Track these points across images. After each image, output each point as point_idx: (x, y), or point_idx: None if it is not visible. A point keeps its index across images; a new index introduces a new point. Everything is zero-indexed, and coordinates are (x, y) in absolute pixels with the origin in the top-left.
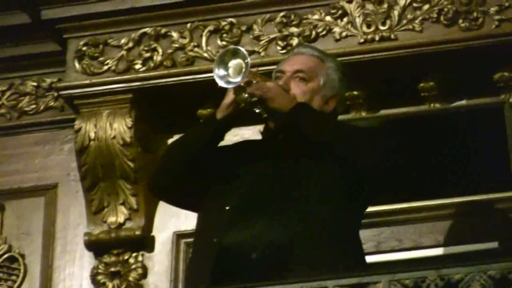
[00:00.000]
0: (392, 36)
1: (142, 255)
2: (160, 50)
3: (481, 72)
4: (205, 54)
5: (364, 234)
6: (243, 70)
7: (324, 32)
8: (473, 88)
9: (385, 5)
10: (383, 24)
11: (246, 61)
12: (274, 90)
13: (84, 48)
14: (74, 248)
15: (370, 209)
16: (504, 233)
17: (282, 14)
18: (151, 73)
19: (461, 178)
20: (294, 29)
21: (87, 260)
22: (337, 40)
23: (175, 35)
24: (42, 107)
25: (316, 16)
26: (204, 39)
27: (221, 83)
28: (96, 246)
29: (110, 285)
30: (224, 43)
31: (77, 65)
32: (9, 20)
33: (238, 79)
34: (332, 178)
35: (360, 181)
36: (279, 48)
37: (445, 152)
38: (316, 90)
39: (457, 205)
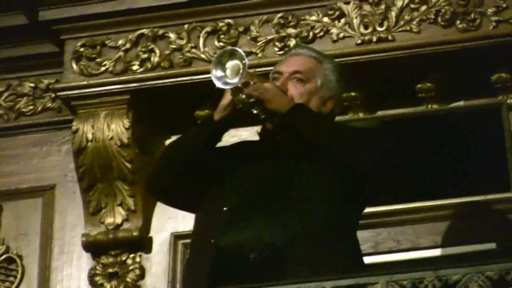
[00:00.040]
0: (390, 37)
1: (140, 256)
2: (157, 51)
3: (478, 73)
4: (203, 55)
5: (362, 235)
6: (241, 71)
7: (321, 33)
8: (471, 89)
9: (383, 6)
10: (381, 25)
11: (243, 62)
12: (271, 91)
13: (82, 49)
14: (71, 249)
15: (368, 210)
16: (502, 234)
17: (279, 15)
18: (149, 74)
19: (459, 179)
20: (291, 30)
21: (84, 261)
22: (334, 41)
23: (172, 36)
24: (39, 108)
25: (313, 17)
26: (201, 40)
27: (218, 84)
28: (93, 247)
29: (107, 286)
30: (221, 44)
31: (74, 66)
32: (7, 21)
33: (235, 80)
34: (330, 179)
35: (358, 182)
36: (276, 49)
37: (443, 153)
38: (313, 91)
39: (455, 206)
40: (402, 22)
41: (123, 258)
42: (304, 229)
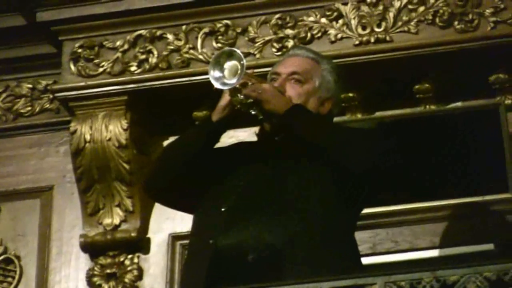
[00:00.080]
0: (388, 38)
1: (138, 257)
2: (155, 52)
3: (476, 74)
4: (201, 56)
5: (359, 235)
6: (239, 71)
7: (319, 34)
8: (469, 90)
9: (381, 7)
10: (379, 26)
11: (241, 62)
12: (269, 91)
13: (80, 50)
14: (69, 250)
15: (366, 211)
16: (500, 234)
17: (277, 16)
18: (147, 75)
19: (457, 180)
20: (289, 31)
21: (82, 262)
22: (332, 42)
23: (170, 37)
24: (37, 109)
25: (311, 18)
26: (199, 41)
27: (216, 85)
28: (91, 248)
29: (105, 286)
30: (219, 45)
31: (72, 67)
32: (5, 22)
33: (233, 80)
34: (328, 180)
35: (356, 183)
36: (274, 50)
37: (441, 154)
38: (311, 92)
39: (453, 206)
40: (400, 23)
41: (121, 259)
42: (302, 230)
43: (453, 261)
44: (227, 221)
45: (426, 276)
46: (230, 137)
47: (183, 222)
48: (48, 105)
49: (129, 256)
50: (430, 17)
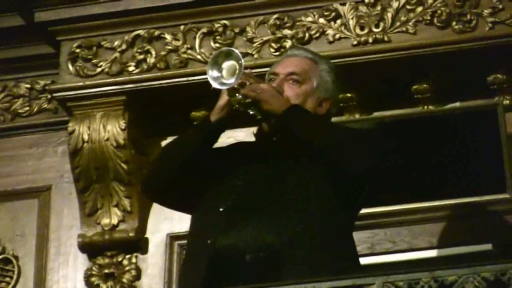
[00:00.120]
0: (386, 38)
1: (136, 257)
2: (153, 52)
3: (474, 74)
4: (199, 56)
5: (358, 236)
6: (237, 71)
7: (317, 34)
8: (467, 90)
9: (379, 8)
10: (377, 26)
11: (239, 62)
12: (267, 91)
13: (78, 50)
14: (68, 250)
15: (364, 211)
16: (498, 235)
17: (275, 16)
18: (145, 75)
19: (455, 180)
20: (287, 31)
21: (81, 262)
22: (330, 42)
23: (168, 37)
24: (35, 109)
25: (309, 18)
26: (197, 41)
27: (214, 85)
28: (89, 248)
29: (104, 287)
30: (217, 45)
31: (70, 67)
32: (3, 22)
33: (231, 80)
34: (326, 180)
35: (355, 183)
36: (272, 50)
37: (439, 154)
38: (309, 92)
39: (451, 207)
40: (398, 23)
41: (119, 259)
42: (301, 230)
43: (451, 262)
44: (226, 221)
45: (424, 276)
46: (228, 137)
47: (181, 222)
48: (46, 105)
49: (127, 256)
50: (428, 18)
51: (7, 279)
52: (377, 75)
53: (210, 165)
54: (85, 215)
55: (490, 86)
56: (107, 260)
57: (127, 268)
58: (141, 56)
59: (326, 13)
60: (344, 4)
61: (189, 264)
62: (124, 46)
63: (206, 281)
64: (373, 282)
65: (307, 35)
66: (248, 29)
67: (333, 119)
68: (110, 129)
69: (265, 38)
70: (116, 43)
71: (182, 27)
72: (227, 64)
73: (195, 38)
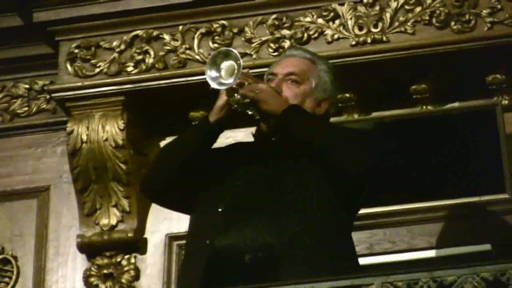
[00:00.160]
0: (384, 39)
1: (135, 257)
2: (152, 53)
3: (473, 74)
4: (197, 57)
5: (357, 236)
6: (235, 71)
7: (316, 35)
8: (466, 90)
9: (377, 8)
10: (375, 26)
11: (238, 62)
12: (266, 92)
13: (76, 51)
14: (66, 250)
15: (363, 211)
16: (497, 235)
17: (274, 16)
18: (143, 76)
19: (454, 180)
20: (286, 32)
21: (79, 262)
22: (329, 43)
23: (167, 37)
24: (34, 110)
25: (308, 19)
26: (196, 41)
27: (213, 85)
28: (88, 248)
29: (102, 287)
30: (216, 45)
31: (69, 67)
32: (1, 22)
33: (230, 80)
34: (325, 180)
35: (353, 183)
36: (271, 50)
37: (438, 154)
38: (308, 93)
39: (450, 207)
40: (396, 24)
41: (118, 259)
42: (301, 230)
43: (450, 262)
44: (224, 221)
45: (423, 277)
46: (227, 137)
47: (180, 222)
48: (44, 106)
49: (126, 257)
50: (427, 18)
51: (6, 279)
52: (376, 75)
53: (209, 165)
54: (84, 215)
55: (489, 86)
56: (106, 261)
57: (126, 269)
58: (140, 57)
59: (324, 13)
60: (342, 4)
61: (188, 265)
62: (122, 47)
63: (204, 282)
64: (372, 282)
65: (305, 35)
66: (246, 29)
67: (332, 119)
68: (109, 130)
69: (263, 38)
70: (114, 43)
71: (180, 27)
72: (225, 64)
73: (193, 38)
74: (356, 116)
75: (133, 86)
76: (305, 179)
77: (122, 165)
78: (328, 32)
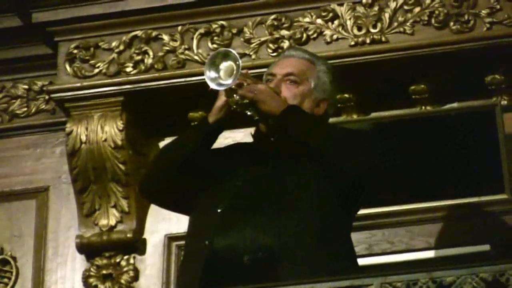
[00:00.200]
0: (383, 39)
1: (134, 257)
2: (151, 53)
3: (472, 74)
4: (196, 57)
5: (356, 236)
6: (234, 72)
7: (315, 35)
8: (465, 90)
9: (376, 8)
10: (374, 26)
11: (237, 63)
12: (265, 92)
13: (75, 51)
14: (65, 251)
15: (362, 211)
16: (496, 235)
17: (273, 17)
18: (142, 76)
19: (453, 181)
20: (285, 32)
21: (79, 263)
22: (328, 43)
23: (166, 38)
24: (33, 110)
25: (307, 19)
26: (195, 42)
27: (212, 85)
28: (87, 249)
29: (101, 287)
30: (215, 46)
31: (68, 68)
32: (0, 23)
33: (229, 81)
34: (324, 180)
35: (354, 183)
36: (270, 50)
37: (437, 155)
38: (307, 93)
39: (449, 207)
40: (395, 24)
41: (117, 260)
42: (300, 231)
43: (449, 262)
44: (223, 222)
45: (422, 277)
46: (226, 138)
47: (179, 223)
48: (44, 106)
49: (125, 257)
50: (426, 18)
51: (5, 280)
52: (375, 75)
53: (208, 166)
54: (83, 216)
55: (488, 87)
56: (105, 261)
57: (125, 269)
58: (139, 57)
59: (323, 14)
60: (341, 5)
61: (187, 265)
62: (121, 47)
63: (203, 282)
64: (371, 283)
65: (304, 35)
66: (245, 29)
67: (331, 120)
68: (108, 130)
69: (262, 39)
70: (113, 44)
71: (179, 27)
72: (224, 65)
73: (192, 38)
74: (355, 117)
75: (132, 86)
76: (305, 179)
77: (121, 165)
78: (327, 32)
